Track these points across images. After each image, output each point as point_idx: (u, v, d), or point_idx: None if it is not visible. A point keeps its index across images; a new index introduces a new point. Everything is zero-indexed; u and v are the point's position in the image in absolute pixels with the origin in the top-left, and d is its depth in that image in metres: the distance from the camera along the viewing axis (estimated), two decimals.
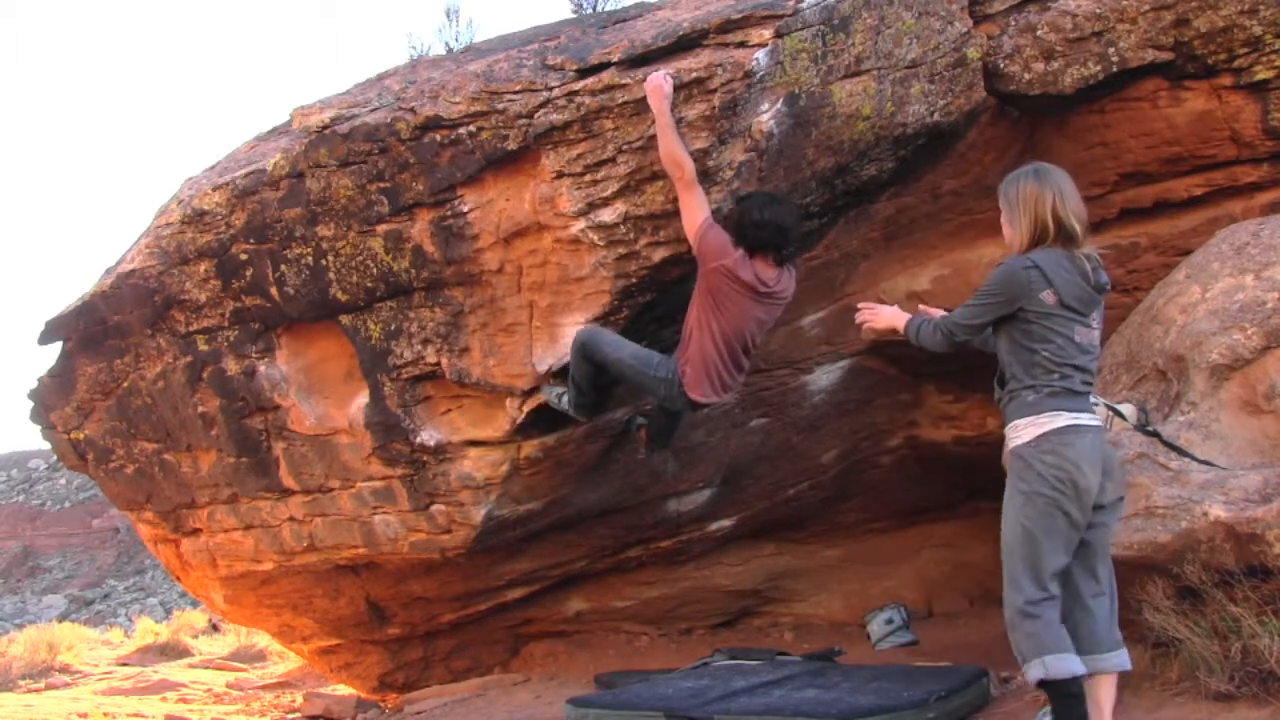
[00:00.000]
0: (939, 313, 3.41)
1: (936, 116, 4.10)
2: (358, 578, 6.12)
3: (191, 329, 5.31)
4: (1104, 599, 3.07)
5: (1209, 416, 3.54)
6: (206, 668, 11.18)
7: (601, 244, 4.16)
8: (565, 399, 4.40)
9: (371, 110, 4.50)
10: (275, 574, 6.18)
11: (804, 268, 4.53)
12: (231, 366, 5.29)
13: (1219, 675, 3.18)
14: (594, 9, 6.86)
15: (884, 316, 3.53)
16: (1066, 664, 2.91)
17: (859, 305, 3.65)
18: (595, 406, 4.39)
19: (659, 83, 3.78)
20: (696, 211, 3.85)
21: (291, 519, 5.72)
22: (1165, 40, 4.05)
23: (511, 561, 5.90)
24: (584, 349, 4.18)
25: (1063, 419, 2.98)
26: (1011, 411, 3.08)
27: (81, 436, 6.13)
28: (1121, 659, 3.04)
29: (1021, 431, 3.04)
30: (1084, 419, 3.01)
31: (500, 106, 4.12)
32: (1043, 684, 2.98)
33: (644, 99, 3.85)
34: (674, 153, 3.79)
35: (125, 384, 5.73)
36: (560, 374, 4.46)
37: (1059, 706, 2.98)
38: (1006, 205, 3.17)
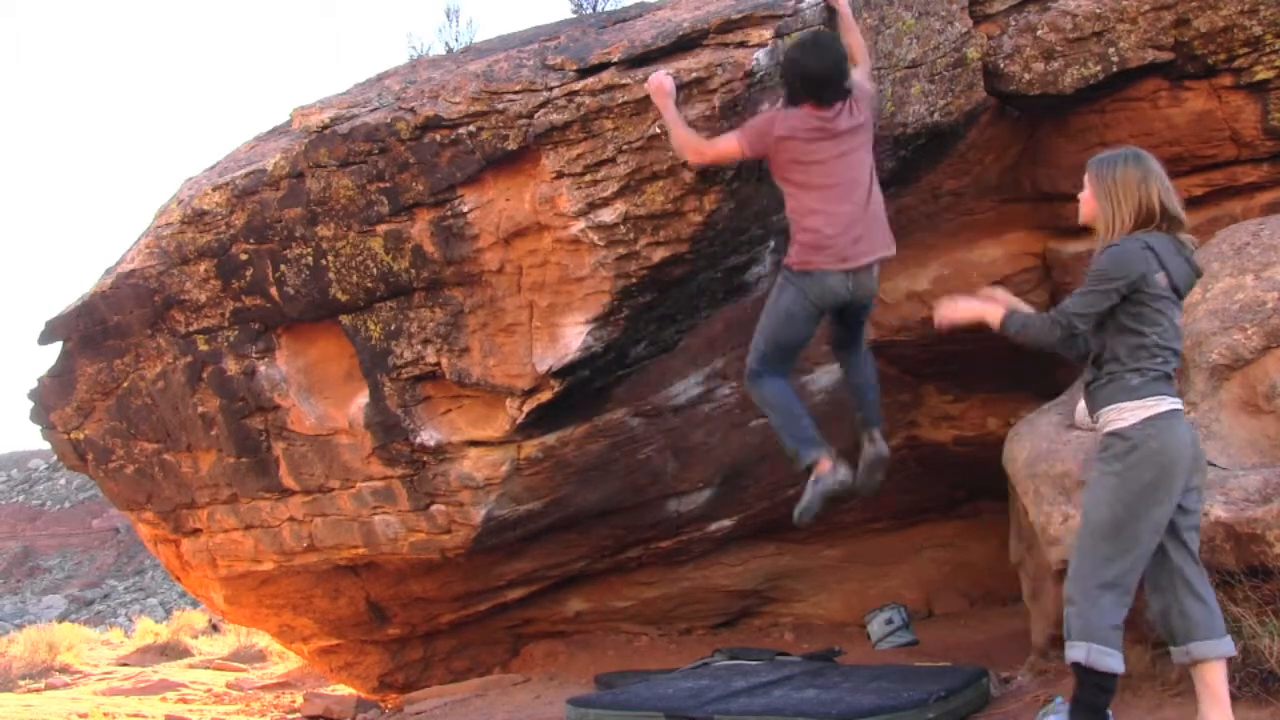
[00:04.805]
0: (1015, 300, 3.28)
1: (936, 116, 4.10)
2: (358, 578, 6.12)
3: (191, 329, 5.31)
4: (1209, 586, 3.02)
5: (1209, 416, 3.54)
6: (206, 668, 11.17)
7: (601, 244, 4.16)
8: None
9: (371, 110, 4.50)
10: (275, 574, 6.18)
11: None
12: (231, 366, 5.29)
13: None
14: (594, 9, 6.87)
15: (964, 309, 3.29)
16: (1109, 661, 2.90)
17: (939, 302, 3.39)
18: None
19: (661, 81, 3.76)
20: (726, 140, 3.71)
21: (291, 519, 5.72)
22: (1165, 40, 4.05)
23: (511, 561, 5.90)
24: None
25: (1166, 404, 2.95)
26: (1111, 394, 3.00)
27: (81, 436, 6.13)
28: (1230, 644, 2.99)
29: (1126, 414, 2.96)
30: (1180, 404, 3.00)
31: (500, 106, 4.12)
32: (1076, 666, 2.96)
33: (644, 99, 3.84)
34: (687, 141, 3.73)
35: (125, 384, 5.73)
36: None
37: (1087, 689, 2.94)
38: (1101, 188, 3.06)
